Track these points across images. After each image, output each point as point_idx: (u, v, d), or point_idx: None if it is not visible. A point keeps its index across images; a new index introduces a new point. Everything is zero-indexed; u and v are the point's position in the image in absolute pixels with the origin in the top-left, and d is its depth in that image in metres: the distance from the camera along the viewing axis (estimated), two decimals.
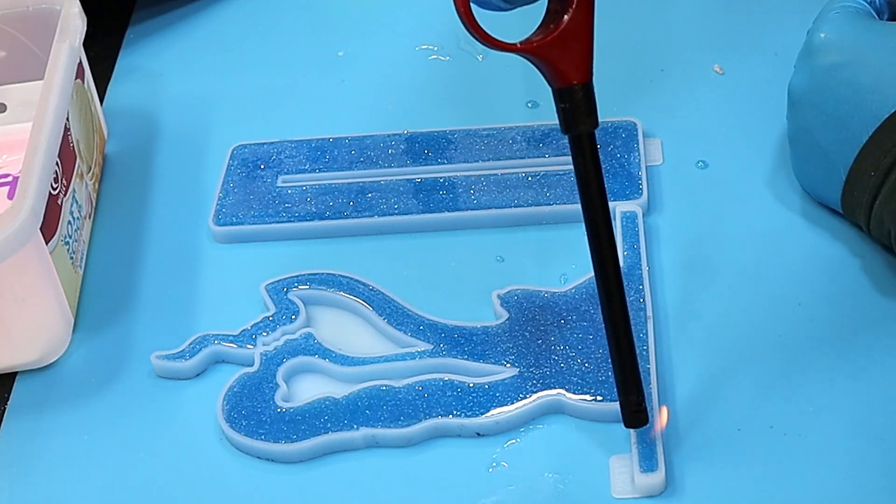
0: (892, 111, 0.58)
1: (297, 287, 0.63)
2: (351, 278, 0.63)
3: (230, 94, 0.76)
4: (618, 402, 0.53)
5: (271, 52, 0.79)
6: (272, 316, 0.62)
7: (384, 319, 0.61)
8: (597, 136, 0.67)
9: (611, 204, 0.64)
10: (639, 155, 0.67)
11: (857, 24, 0.61)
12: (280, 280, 0.63)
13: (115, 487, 0.57)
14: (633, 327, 0.58)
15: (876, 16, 0.63)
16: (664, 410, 0.56)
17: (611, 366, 0.53)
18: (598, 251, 0.51)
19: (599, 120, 0.52)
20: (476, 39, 0.49)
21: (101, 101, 0.75)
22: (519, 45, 0.50)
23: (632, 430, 0.55)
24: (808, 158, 0.62)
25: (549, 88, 0.73)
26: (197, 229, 0.67)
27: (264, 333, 0.61)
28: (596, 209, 0.51)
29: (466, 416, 0.56)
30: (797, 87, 0.62)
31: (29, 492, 0.57)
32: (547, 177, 0.66)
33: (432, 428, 0.57)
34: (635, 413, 0.53)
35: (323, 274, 0.63)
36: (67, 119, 0.65)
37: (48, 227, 0.60)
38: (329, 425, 0.57)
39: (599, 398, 0.56)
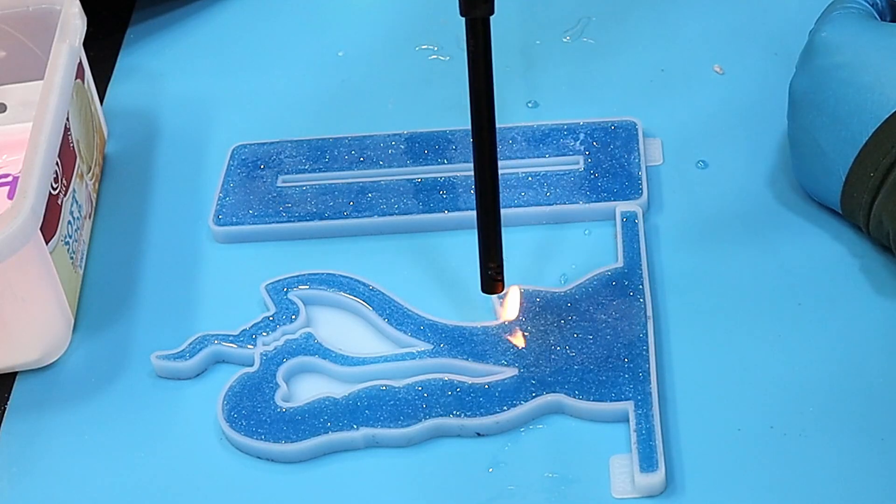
0: (892, 112, 0.58)
1: (297, 287, 0.63)
2: (351, 278, 0.63)
3: (230, 94, 0.76)
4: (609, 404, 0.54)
5: (271, 52, 0.79)
6: (272, 316, 0.62)
7: (384, 319, 0.61)
8: (597, 135, 0.68)
9: (611, 204, 0.64)
10: (639, 155, 0.67)
11: (858, 25, 0.61)
12: (280, 280, 0.63)
13: (115, 487, 0.57)
14: (632, 327, 0.59)
15: (878, 17, 0.63)
16: (516, 292, 0.60)
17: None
18: (477, 121, 0.57)
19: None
20: None
21: (101, 101, 0.75)
22: None
23: (632, 430, 0.55)
24: (808, 159, 0.62)
25: (548, 88, 0.73)
26: (197, 229, 0.67)
27: (264, 333, 0.61)
28: (480, 84, 0.56)
29: (466, 416, 0.56)
30: (798, 88, 0.62)
31: (29, 492, 0.57)
32: (547, 177, 0.66)
33: (432, 428, 0.57)
34: (492, 280, 0.58)
35: (323, 274, 0.63)
36: (67, 119, 0.65)
37: (48, 227, 0.60)
38: (329, 425, 0.57)
39: (599, 398, 0.56)
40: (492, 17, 0.55)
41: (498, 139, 0.68)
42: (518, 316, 0.60)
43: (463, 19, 0.55)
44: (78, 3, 0.69)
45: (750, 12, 0.76)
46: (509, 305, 0.60)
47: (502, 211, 0.65)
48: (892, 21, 0.64)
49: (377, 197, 0.67)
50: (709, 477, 0.54)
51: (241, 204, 0.67)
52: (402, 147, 0.69)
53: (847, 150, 0.60)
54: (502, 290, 0.59)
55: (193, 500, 0.56)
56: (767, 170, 0.66)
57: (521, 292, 0.61)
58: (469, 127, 0.69)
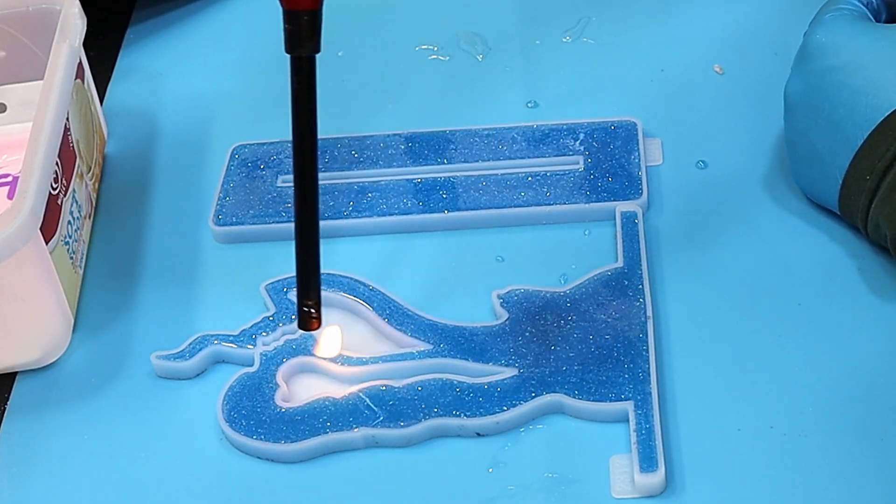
0: (887, 114, 0.58)
1: None
2: (351, 278, 0.63)
3: (230, 94, 0.76)
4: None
5: (271, 52, 0.78)
6: (272, 316, 0.62)
7: (384, 319, 0.61)
8: (597, 135, 0.68)
9: (611, 204, 0.64)
10: (639, 155, 0.67)
11: (851, 27, 0.61)
12: (280, 280, 0.63)
13: (115, 487, 0.57)
14: (632, 327, 0.59)
15: (872, 17, 0.63)
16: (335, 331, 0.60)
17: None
18: (299, 159, 0.56)
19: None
20: None
21: (101, 101, 0.75)
22: None
23: (632, 430, 0.55)
24: (806, 162, 0.62)
25: (548, 88, 0.73)
26: (197, 229, 0.67)
27: (264, 333, 0.61)
28: (303, 124, 0.55)
29: (466, 416, 0.56)
30: (793, 91, 0.62)
31: (29, 492, 0.57)
32: (547, 177, 0.66)
33: (432, 428, 0.57)
34: (308, 316, 0.56)
35: (323, 274, 0.63)
36: (67, 119, 0.65)
37: (48, 227, 0.60)
38: (329, 425, 0.57)
39: (599, 398, 0.56)
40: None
41: (498, 139, 0.69)
42: (338, 354, 0.60)
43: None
44: (78, 3, 0.69)
45: (750, 12, 0.76)
46: (325, 344, 0.60)
47: (502, 211, 0.65)
48: (887, 20, 0.64)
49: (377, 197, 0.67)
50: (709, 477, 0.54)
51: (241, 204, 0.67)
52: (402, 147, 0.69)
53: (843, 154, 0.60)
54: (318, 327, 0.56)
55: (193, 500, 0.56)
56: (767, 170, 0.66)
57: (340, 332, 0.60)
58: (469, 127, 0.70)
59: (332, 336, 0.60)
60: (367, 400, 0.57)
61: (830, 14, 0.61)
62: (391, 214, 0.66)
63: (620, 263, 0.62)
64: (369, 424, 0.57)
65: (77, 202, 0.66)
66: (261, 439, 0.57)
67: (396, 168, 0.68)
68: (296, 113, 0.55)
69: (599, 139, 0.68)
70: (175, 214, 0.69)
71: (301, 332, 0.61)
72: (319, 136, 0.70)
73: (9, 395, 0.61)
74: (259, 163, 0.70)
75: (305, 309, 0.56)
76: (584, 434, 0.56)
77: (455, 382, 0.58)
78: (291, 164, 0.56)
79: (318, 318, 0.56)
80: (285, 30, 0.53)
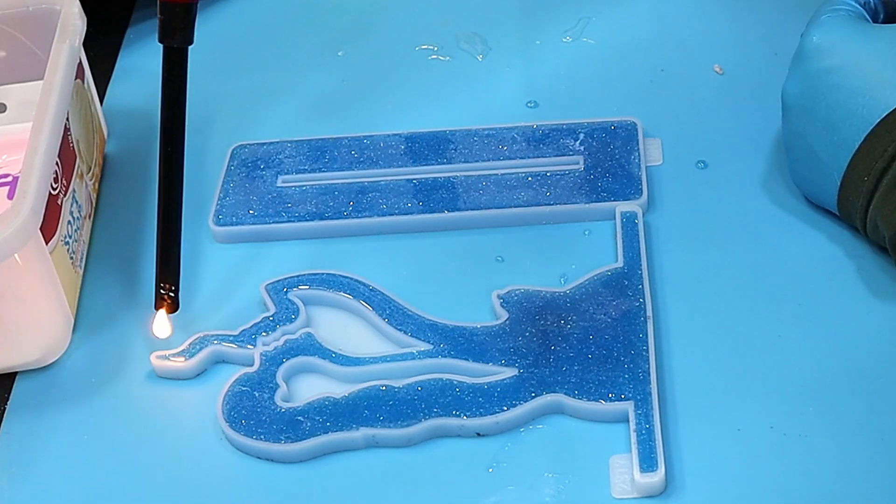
0: (883, 116, 0.58)
1: (297, 287, 0.63)
2: (351, 278, 0.63)
3: (230, 94, 0.76)
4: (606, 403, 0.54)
5: (271, 52, 0.79)
6: (272, 316, 0.62)
7: (384, 319, 0.61)
8: (597, 135, 0.68)
9: (611, 204, 0.64)
10: (639, 155, 0.67)
11: (848, 28, 0.61)
12: (280, 280, 0.63)
13: (115, 487, 0.57)
14: (632, 327, 0.59)
15: (869, 18, 0.63)
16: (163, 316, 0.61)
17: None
18: (165, 146, 0.60)
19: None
20: None
21: (101, 101, 0.75)
22: None
23: (632, 430, 0.55)
24: (804, 163, 0.62)
25: (548, 88, 0.73)
26: (197, 229, 0.67)
27: (264, 333, 0.61)
28: (170, 112, 0.59)
29: (466, 416, 0.56)
30: (790, 93, 0.62)
31: (29, 492, 0.57)
32: (547, 177, 0.66)
33: (432, 428, 0.57)
34: (163, 299, 0.60)
35: (323, 274, 0.63)
36: (67, 119, 0.65)
37: (48, 227, 0.60)
38: (329, 425, 0.57)
39: (599, 398, 0.56)
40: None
41: (498, 139, 0.69)
42: (169, 335, 0.61)
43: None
44: (78, 3, 0.69)
45: (750, 12, 0.76)
46: (157, 324, 0.62)
47: (502, 211, 0.65)
48: (885, 20, 0.64)
49: (377, 197, 0.67)
50: (709, 477, 0.54)
51: (241, 204, 0.67)
52: (402, 147, 0.69)
53: (840, 155, 0.60)
54: (176, 308, 0.61)
55: (193, 500, 0.56)
56: (767, 170, 0.66)
57: (168, 317, 0.62)
58: (469, 127, 0.70)
59: (160, 318, 0.62)
60: (368, 400, 0.58)
61: (827, 15, 0.61)
62: (391, 214, 0.66)
63: (620, 263, 0.62)
64: (369, 424, 0.57)
65: (77, 202, 0.66)
66: (261, 439, 0.57)
67: (396, 168, 0.68)
68: (164, 100, 0.59)
69: (599, 139, 0.68)
70: None
71: (301, 331, 0.61)
72: (319, 135, 0.71)
73: (9, 395, 0.61)
74: (259, 163, 0.70)
75: (162, 291, 0.60)
76: (584, 434, 0.56)
77: (455, 382, 0.58)
78: (159, 149, 0.60)
79: (177, 301, 0.61)
80: (159, 20, 0.58)
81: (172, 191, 0.60)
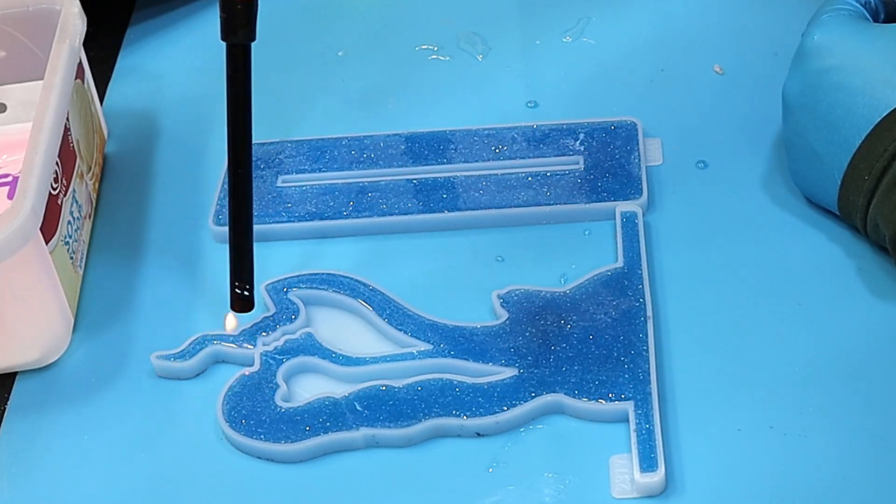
0: (884, 115, 0.58)
1: (297, 287, 0.63)
2: (351, 278, 0.63)
3: None
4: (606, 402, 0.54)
5: (271, 52, 0.78)
6: (272, 316, 0.62)
7: (384, 319, 0.61)
8: (597, 135, 0.68)
9: (611, 204, 0.64)
10: (639, 155, 0.67)
11: (848, 27, 0.61)
12: (280, 280, 0.63)
13: (115, 487, 0.57)
14: (632, 327, 0.59)
15: (870, 17, 0.63)
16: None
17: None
18: (233, 146, 0.58)
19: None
20: None
21: (101, 101, 0.75)
22: None
23: (632, 430, 0.55)
24: (804, 162, 0.62)
25: (548, 88, 0.73)
26: (197, 229, 0.67)
27: (264, 333, 0.61)
28: (237, 110, 0.58)
29: (466, 416, 0.56)
30: (791, 92, 0.62)
31: (29, 492, 0.57)
32: (547, 177, 0.66)
33: (432, 428, 0.57)
34: (242, 299, 0.60)
35: (323, 274, 0.63)
36: (67, 119, 0.65)
37: (48, 227, 0.60)
38: (329, 425, 0.57)
39: (599, 398, 0.56)
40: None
41: (498, 139, 0.69)
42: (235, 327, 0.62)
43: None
44: (78, 3, 0.69)
45: (750, 12, 0.76)
46: (229, 320, 0.62)
47: (502, 211, 0.65)
48: (885, 20, 0.64)
49: (377, 197, 0.67)
50: (709, 477, 0.54)
51: None
52: (402, 147, 0.69)
53: (841, 154, 0.60)
54: (252, 307, 0.60)
55: (193, 501, 0.56)
56: (767, 170, 0.66)
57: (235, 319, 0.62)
58: (469, 127, 0.70)
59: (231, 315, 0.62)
60: (368, 400, 0.58)
61: (828, 14, 0.61)
62: (391, 214, 0.66)
63: (620, 263, 0.62)
64: (369, 424, 0.57)
65: (77, 202, 0.66)
66: (261, 439, 0.57)
67: (396, 168, 0.68)
68: (229, 99, 0.57)
69: (599, 139, 0.68)
70: (175, 214, 0.69)
71: (301, 331, 0.61)
72: (319, 135, 0.71)
73: (9, 395, 0.61)
74: (259, 163, 0.70)
75: (238, 291, 0.59)
76: (584, 434, 0.56)
77: (455, 382, 0.58)
78: (227, 147, 0.58)
79: (252, 301, 0.60)
80: (221, 17, 0.56)
81: (241, 191, 0.59)
